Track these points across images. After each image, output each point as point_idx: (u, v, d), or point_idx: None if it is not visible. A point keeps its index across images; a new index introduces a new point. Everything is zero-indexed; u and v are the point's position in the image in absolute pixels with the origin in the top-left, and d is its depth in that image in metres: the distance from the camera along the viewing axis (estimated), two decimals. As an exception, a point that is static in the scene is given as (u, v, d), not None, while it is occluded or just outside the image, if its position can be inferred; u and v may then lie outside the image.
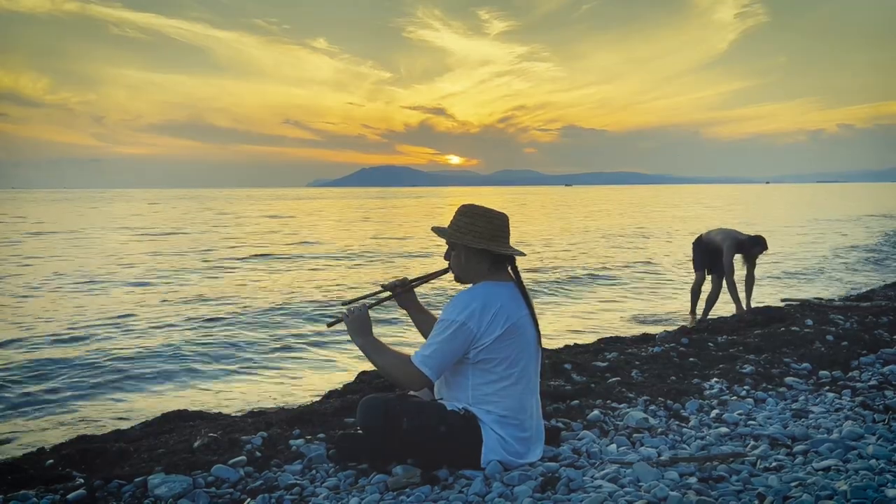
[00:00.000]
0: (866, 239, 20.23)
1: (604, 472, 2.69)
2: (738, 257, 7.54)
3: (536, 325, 2.79)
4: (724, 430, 3.28)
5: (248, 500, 2.57)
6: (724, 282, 7.52)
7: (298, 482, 2.73)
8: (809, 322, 6.03)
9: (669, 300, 9.97)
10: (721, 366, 4.59)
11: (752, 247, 7.44)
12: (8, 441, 4.40)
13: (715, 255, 7.60)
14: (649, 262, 14.71)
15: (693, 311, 8.01)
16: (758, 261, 7.72)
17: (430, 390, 2.86)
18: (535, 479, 2.62)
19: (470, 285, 2.78)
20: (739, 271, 7.57)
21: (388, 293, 3.01)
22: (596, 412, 3.53)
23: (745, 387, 4.07)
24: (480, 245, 2.70)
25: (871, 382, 4.11)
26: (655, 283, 11.84)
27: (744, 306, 7.43)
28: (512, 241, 2.81)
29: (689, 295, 8.13)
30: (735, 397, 3.88)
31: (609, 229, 25.78)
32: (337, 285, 11.81)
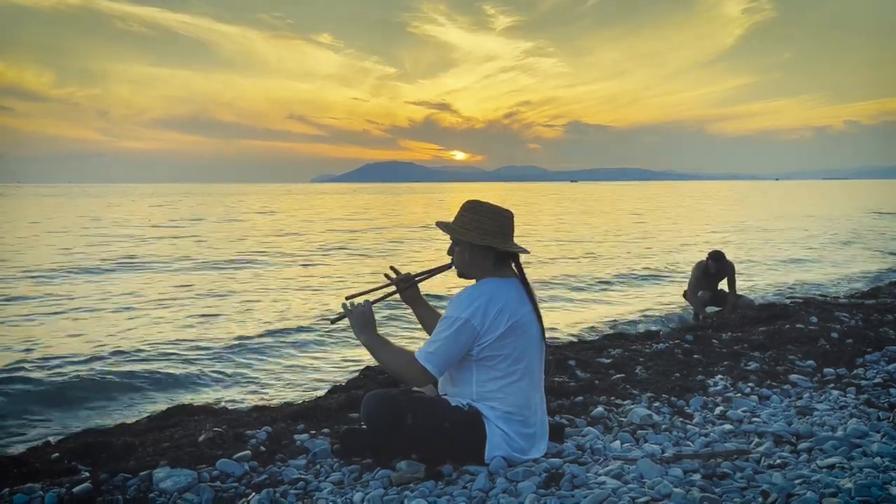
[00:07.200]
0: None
1: (607, 469, 2.69)
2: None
3: (540, 321, 2.79)
4: (728, 427, 3.28)
5: (253, 494, 2.57)
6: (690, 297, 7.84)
7: (303, 477, 2.74)
8: (814, 319, 6.01)
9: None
10: (725, 363, 4.58)
11: (712, 264, 7.65)
12: (14, 435, 4.42)
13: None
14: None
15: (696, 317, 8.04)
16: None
17: (435, 386, 2.86)
18: (538, 475, 2.63)
19: (474, 281, 2.78)
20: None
21: (391, 288, 3.01)
22: (600, 409, 3.54)
23: (750, 384, 4.06)
24: (485, 242, 2.69)
25: (876, 380, 4.11)
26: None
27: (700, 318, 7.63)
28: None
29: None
30: (739, 394, 3.87)
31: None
32: (339, 281, 11.82)
